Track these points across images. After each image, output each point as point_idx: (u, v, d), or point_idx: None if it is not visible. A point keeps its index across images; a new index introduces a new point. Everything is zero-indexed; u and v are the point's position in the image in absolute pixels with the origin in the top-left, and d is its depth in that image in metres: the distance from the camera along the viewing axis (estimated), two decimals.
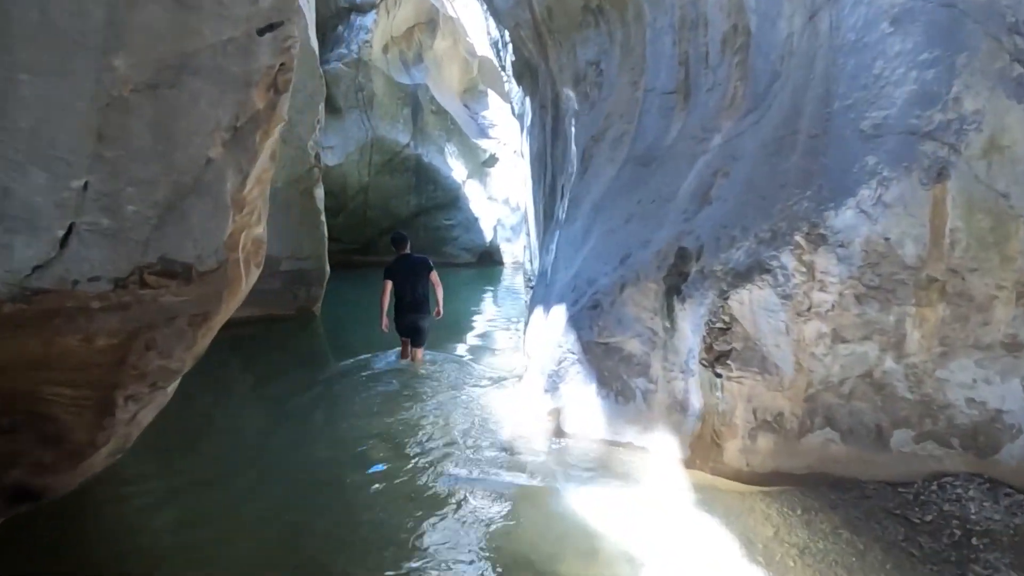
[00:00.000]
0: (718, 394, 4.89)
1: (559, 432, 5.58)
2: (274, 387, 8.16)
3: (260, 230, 3.24)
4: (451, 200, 23.11)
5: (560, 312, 5.84)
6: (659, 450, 5.22)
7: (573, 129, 8.78)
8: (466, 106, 26.59)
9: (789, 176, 4.85)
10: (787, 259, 4.56)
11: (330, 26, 22.09)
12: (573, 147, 8.57)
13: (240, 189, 2.81)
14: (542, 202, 9.57)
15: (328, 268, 11.93)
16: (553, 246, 8.28)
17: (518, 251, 22.32)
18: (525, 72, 11.28)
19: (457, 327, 11.26)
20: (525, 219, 11.66)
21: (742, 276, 4.74)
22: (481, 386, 7.68)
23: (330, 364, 9.21)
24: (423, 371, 8.40)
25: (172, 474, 5.35)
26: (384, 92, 21.37)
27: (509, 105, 25.71)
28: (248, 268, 3.12)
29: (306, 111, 10.31)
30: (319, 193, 10.99)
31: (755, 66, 5.94)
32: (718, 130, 6.09)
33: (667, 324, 5.10)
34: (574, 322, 5.49)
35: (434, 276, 8.41)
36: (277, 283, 11.34)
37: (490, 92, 27.50)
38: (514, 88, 12.61)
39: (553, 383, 5.56)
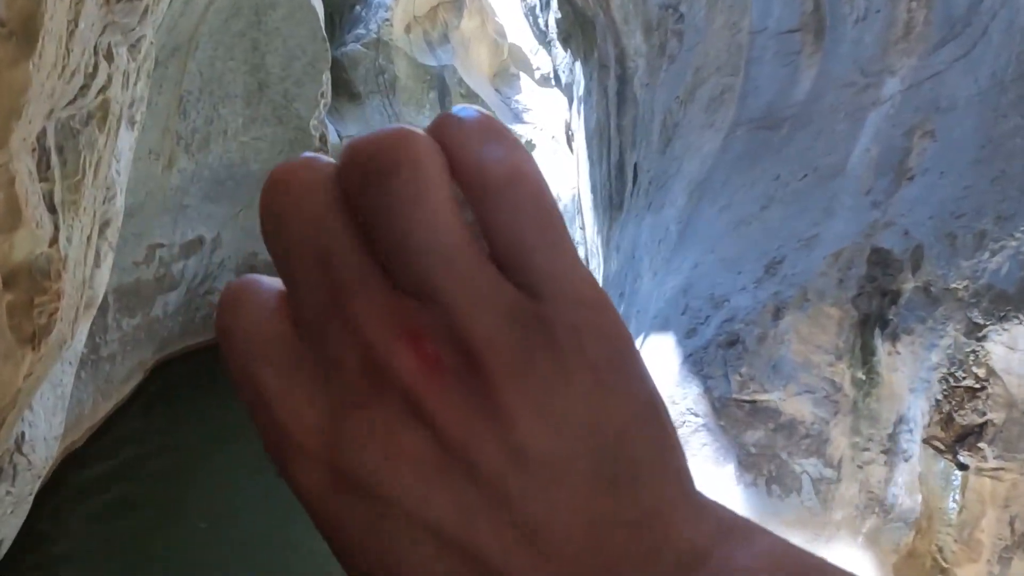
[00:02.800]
0: (953, 494, 2.94)
1: None
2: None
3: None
4: None
5: (665, 347, 3.90)
6: None
7: (647, 91, 6.85)
8: (497, 91, 24.75)
9: None
10: None
11: (347, 6, 20.33)
12: (649, 114, 6.64)
13: None
14: (605, 187, 7.62)
15: None
16: (626, 243, 6.35)
17: None
18: (575, 30, 9.30)
19: None
20: (579, 209, 9.73)
21: (1010, 300, 2.76)
22: None
23: None
24: None
25: None
26: (407, 75, 19.52)
27: (547, 86, 23.85)
28: None
29: (306, 82, 8.43)
30: None
31: None
32: (891, 72, 4.13)
33: (860, 375, 3.14)
34: (695, 366, 3.55)
35: None
36: None
37: (522, 76, 25.68)
38: (559, 55, 10.66)
39: None
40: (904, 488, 3.11)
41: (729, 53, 5.68)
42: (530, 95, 24.40)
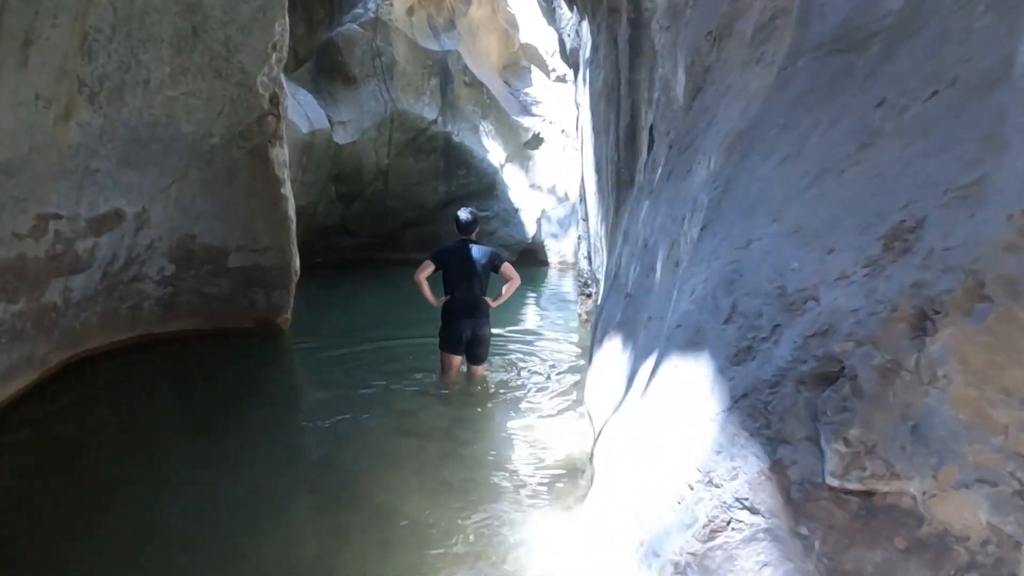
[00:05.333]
0: None
1: None
2: (215, 450, 5.14)
3: None
4: (486, 187, 19.63)
5: (695, 378, 2.31)
6: None
7: (667, 35, 5.30)
8: (506, 83, 23.29)
9: None
10: None
11: None
12: (670, 62, 5.09)
13: None
14: (612, 162, 6.05)
15: (297, 264, 8.45)
16: (636, 228, 4.79)
17: (566, 249, 18.75)
18: None
19: (495, 340, 7.85)
20: (582, 197, 8.15)
21: None
22: (518, 493, 4.30)
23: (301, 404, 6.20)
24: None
25: None
26: (407, 59, 18.02)
27: (560, 79, 22.34)
28: None
29: (254, 30, 6.91)
30: (278, 155, 7.53)
31: None
32: None
33: None
34: (752, 417, 1.97)
35: (507, 269, 6.39)
36: (226, 285, 7.98)
37: (535, 71, 24.28)
38: (564, 16, 9.13)
39: None
40: None
41: None
42: (541, 89, 22.98)
